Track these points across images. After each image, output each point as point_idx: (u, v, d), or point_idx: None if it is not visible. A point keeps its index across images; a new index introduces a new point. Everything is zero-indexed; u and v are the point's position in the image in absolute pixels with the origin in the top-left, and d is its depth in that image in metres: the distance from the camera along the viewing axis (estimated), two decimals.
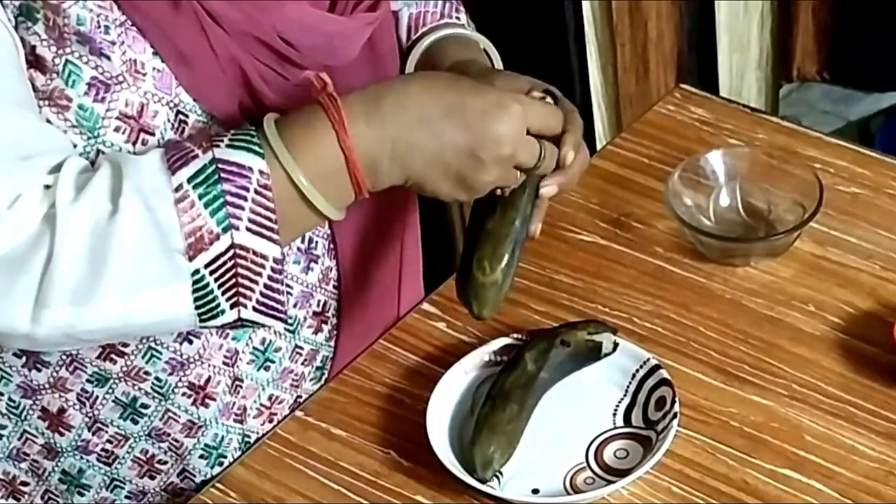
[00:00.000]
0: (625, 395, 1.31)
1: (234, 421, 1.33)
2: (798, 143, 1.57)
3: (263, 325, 1.14)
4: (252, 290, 1.11)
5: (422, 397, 1.30)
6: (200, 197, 1.07)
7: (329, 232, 1.33)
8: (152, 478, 1.34)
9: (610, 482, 1.22)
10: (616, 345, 1.31)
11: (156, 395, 1.28)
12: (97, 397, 1.28)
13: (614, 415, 1.30)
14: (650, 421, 1.28)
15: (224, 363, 1.29)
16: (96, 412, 1.29)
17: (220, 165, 1.08)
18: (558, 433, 1.28)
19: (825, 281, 1.41)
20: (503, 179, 1.16)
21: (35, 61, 1.10)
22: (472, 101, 1.13)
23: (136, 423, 1.30)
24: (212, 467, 1.34)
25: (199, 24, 1.14)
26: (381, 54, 1.32)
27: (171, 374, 1.27)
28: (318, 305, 1.34)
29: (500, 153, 1.13)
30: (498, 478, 1.24)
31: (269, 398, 1.34)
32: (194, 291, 1.08)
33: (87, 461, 1.32)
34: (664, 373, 1.29)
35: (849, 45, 2.91)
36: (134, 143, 1.14)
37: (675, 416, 1.25)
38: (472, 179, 1.14)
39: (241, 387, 1.32)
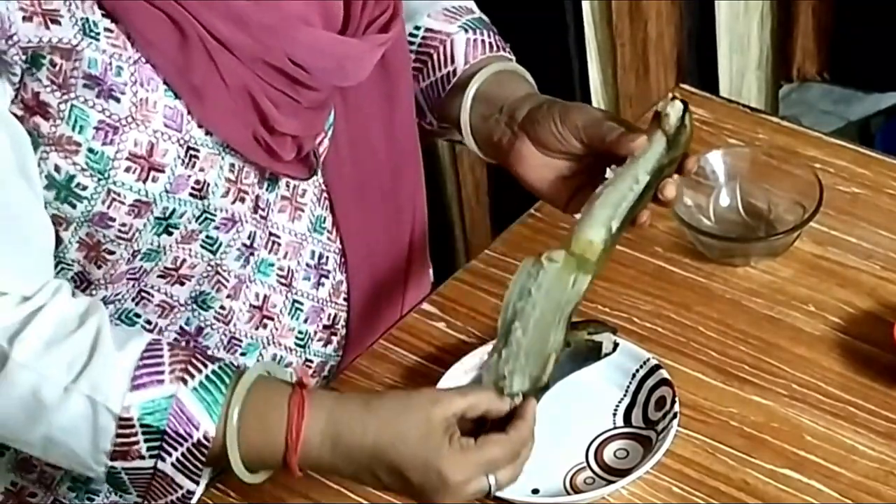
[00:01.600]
0: (625, 395, 1.31)
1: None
2: (798, 143, 1.57)
3: None
4: (160, 498, 1.17)
5: None
6: (143, 426, 1.13)
7: (340, 246, 1.33)
8: None
9: (610, 482, 1.22)
10: (616, 345, 1.31)
11: None
12: None
13: (614, 415, 1.30)
14: (650, 421, 1.28)
15: None
16: None
17: (175, 406, 1.13)
18: (558, 433, 1.28)
19: (825, 281, 1.42)
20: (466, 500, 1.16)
21: (38, 107, 1.10)
22: (411, 461, 1.13)
23: None
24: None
25: (208, 55, 1.13)
26: (393, 73, 1.32)
27: None
28: (329, 319, 1.35)
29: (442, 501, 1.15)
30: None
31: None
32: (107, 474, 1.16)
33: None
34: (664, 373, 1.29)
35: (849, 45, 2.91)
36: (144, 181, 1.15)
37: (675, 416, 1.25)
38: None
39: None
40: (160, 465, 1.14)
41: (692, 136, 1.25)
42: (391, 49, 1.28)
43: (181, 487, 1.16)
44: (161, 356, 1.15)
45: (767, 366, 1.34)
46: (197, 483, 1.16)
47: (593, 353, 1.31)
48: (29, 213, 1.14)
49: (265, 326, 1.31)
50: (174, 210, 1.17)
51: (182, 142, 1.15)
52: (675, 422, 1.25)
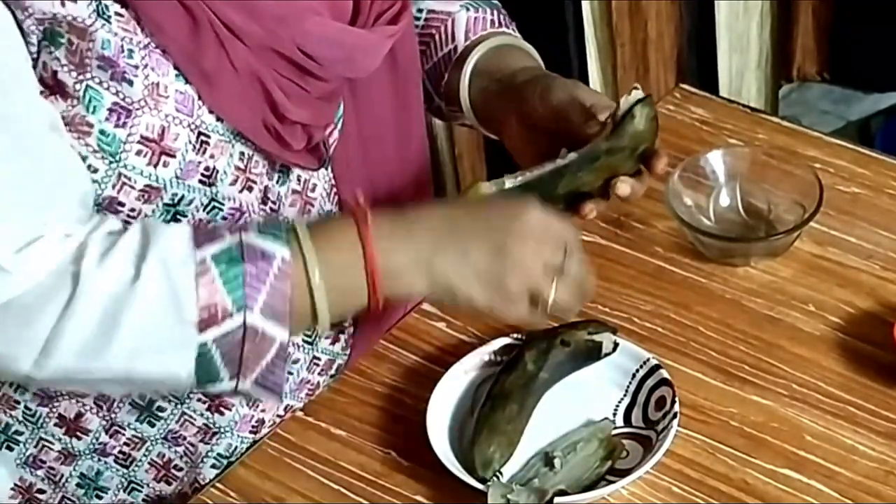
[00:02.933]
0: (625, 395, 1.31)
1: (250, 432, 1.33)
2: (798, 143, 1.57)
3: (258, 399, 1.17)
4: (254, 368, 1.14)
5: (422, 397, 1.30)
6: (221, 274, 1.10)
7: None
8: (169, 483, 1.34)
9: (610, 482, 1.22)
10: (616, 345, 1.31)
11: (172, 397, 1.28)
12: (114, 400, 1.28)
13: (614, 415, 1.30)
14: (650, 421, 1.28)
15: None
16: (113, 415, 1.29)
17: (245, 247, 1.11)
18: (558, 433, 1.28)
19: (825, 281, 1.41)
20: (535, 282, 1.16)
21: (56, 86, 1.11)
22: (494, 207, 1.16)
23: (152, 425, 1.30)
24: None
25: (218, 41, 1.14)
26: (403, 65, 1.32)
27: None
28: None
29: (525, 247, 1.15)
30: (498, 478, 1.24)
31: (285, 409, 1.35)
32: (198, 360, 1.11)
33: (105, 463, 1.32)
34: (664, 373, 1.29)
35: (849, 45, 2.91)
36: (155, 166, 1.15)
37: (675, 416, 1.25)
38: (503, 280, 1.15)
39: (259, 400, 1.32)
40: (249, 318, 1.11)
41: (656, 133, 1.24)
42: (400, 43, 1.28)
43: (275, 340, 1.12)
44: (213, 224, 1.15)
45: (767, 366, 1.34)
46: (287, 331, 1.13)
47: (593, 353, 1.31)
48: (63, 160, 1.12)
49: None
50: (183, 196, 1.17)
51: (193, 126, 1.15)
52: (675, 422, 1.25)
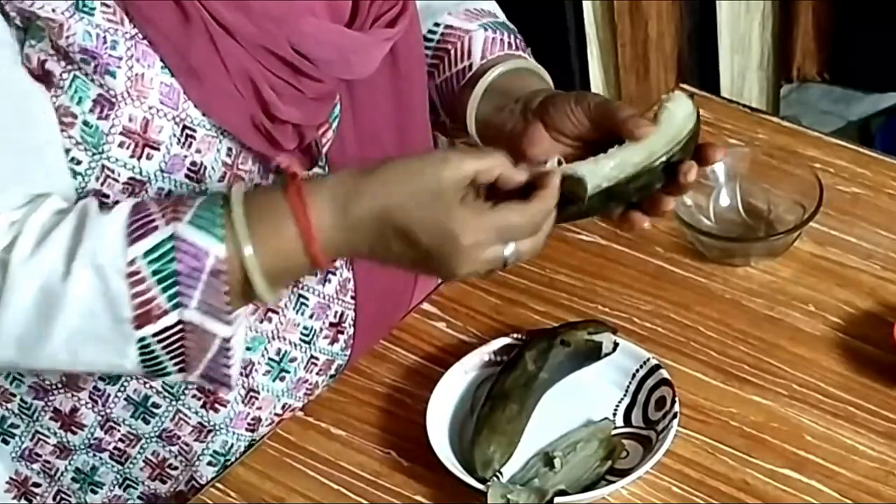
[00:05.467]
0: (625, 395, 1.31)
1: (246, 430, 1.33)
2: (798, 143, 1.57)
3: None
4: (198, 361, 1.13)
5: (422, 397, 1.30)
6: (154, 273, 1.09)
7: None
8: (164, 482, 1.34)
9: (610, 482, 1.22)
10: (616, 345, 1.31)
11: (167, 394, 1.28)
12: (109, 395, 1.28)
13: (614, 415, 1.30)
14: (650, 421, 1.28)
15: (239, 374, 1.29)
16: (108, 410, 1.29)
17: (177, 243, 1.09)
18: (558, 433, 1.28)
19: (825, 281, 1.42)
20: (485, 266, 1.11)
21: (44, 76, 1.11)
22: (421, 224, 1.08)
23: (147, 422, 1.30)
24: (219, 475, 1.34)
25: (209, 37, 1.13)
26: (405, 67, 1.31)
27: None
28: (335, 316, 1.34)
29: (457, 269, 1.09)
30: (498, 478, 1.24)
31: (283, 407, 1.35)
32: (140, 353, 1.11)
33: (100, 458, 1.33)
34: (664, 373, 1.29)
35: (849, 45, 2.91)
36: (139, 158, 1.14)
37: (675, 416, 1.25)
38: (451, 274, 1.11)
39: (256, 398, 1.32)
40: (185, 314, 1.09)
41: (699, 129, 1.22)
42: (403, 45, 1.28)
43: (216, 336, 1.11)
44: (149, 208, 1.11)
45: (767, 366, 1.34)
46: (230, 325, 1.11)
47: (593, 353, 1.31)
48: (28, 151, 1.12)
49: (270, 320, 1.30)
50: (169, 191, 1.17)
51: (178, 119, 1.15)
52: (675, 422, 1.25)
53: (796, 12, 2.86)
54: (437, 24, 1.39)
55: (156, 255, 1.09)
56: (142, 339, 1.10)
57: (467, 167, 1.09)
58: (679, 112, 1.19)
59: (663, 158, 1.17)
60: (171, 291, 1.09)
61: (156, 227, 1.09)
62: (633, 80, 2.60)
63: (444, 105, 1.39)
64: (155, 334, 1.10)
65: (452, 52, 1.37)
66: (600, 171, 1.15)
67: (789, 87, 3.00)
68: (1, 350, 1.11)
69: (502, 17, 1.43)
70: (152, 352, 1.11)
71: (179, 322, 1.10)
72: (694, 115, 1.19)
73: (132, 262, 1.08)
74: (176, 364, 1.12)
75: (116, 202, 1.14)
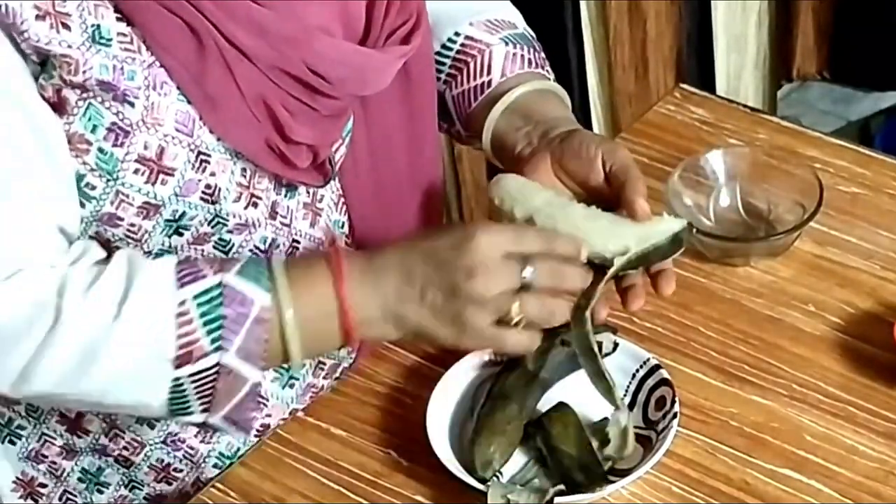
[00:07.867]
0: (625, 395, 1.31)
1: (255, 436, 1.33)
2: (798, 143, 1.57)
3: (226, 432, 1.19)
4: (225, 404, 1.15)
5: (422, 397, 1.30)
6: (201, 315, 1.11)
7: (355, 250, 1.32)
8: (169, 483, 1.35)
9: (610, 482, 1.22)
10: (616, 345, 1.31)
11: None
12: None
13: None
14: (650, 421, 1.28)
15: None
16: (113, 417, 1.29)
17: (225, 290, 1.12)
18: None
19: (825, 281, 1.41)
20: (494, 310, 1.15)
21: (59, 103, 1.11)
22: (442, 241, 1.15)
23: (152, 427, 1.30)
24: None
25: (224, 63, 1.13)
26: (417, 79, 1.31)
27: None
28: None
29: (475, 282, 1.13)
30: (498, 478, 1.24)
31: (291, 413, 1.35)
32: (171, 392, 1.13)
33: (106, 461, 1.33)
34: (664, 373, 1.29)
35: (849, 45, 2.91)
36: (154, 184, 1.15)
37: (675, 416, 1.25)
38: (462, 316, 1.14)
39: (265, 405, 1.32)
40: (224, 358, 1.12)
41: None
42: (415, 61, 1.28)
43: (247, 380, 1.14)
44: (195, 261, 1.15)
45: (767, 366, 1.34)
46: (261, 372, 1.14)
47: None
48: (48, 188, 1.13)
49: None
50: (184, 213, 1.17)
51: (193, 146, 1.15)
52: (675, 422, 1.24)
53: (796, 11, 2.86)
54: (456, 34, 1.38)
55: (205, 298, 1.11)
56: (177, 379, 1.12)
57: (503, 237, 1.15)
58: (664, 227, 1.23)
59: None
60: (215, 334, 1.11)
61: (205, 276, 1.13)
62: (631, 80, 2.60)
63: (459, 116, 1.39)
64: (191, 374, 1.12)
65: (472, 64, 1.37)
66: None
67: (789, 87, 3.00)
68: (38, 385, 1.12)
69: (522, 25, 1.43)
70: (183, 391, 1.13)
71: (217, 364, 1.12)
72: (673, 239, 1.22)
73: (182, 303, 1.11)
74: (202, 405, 1.14)
75: (132, 225, 1.15)
